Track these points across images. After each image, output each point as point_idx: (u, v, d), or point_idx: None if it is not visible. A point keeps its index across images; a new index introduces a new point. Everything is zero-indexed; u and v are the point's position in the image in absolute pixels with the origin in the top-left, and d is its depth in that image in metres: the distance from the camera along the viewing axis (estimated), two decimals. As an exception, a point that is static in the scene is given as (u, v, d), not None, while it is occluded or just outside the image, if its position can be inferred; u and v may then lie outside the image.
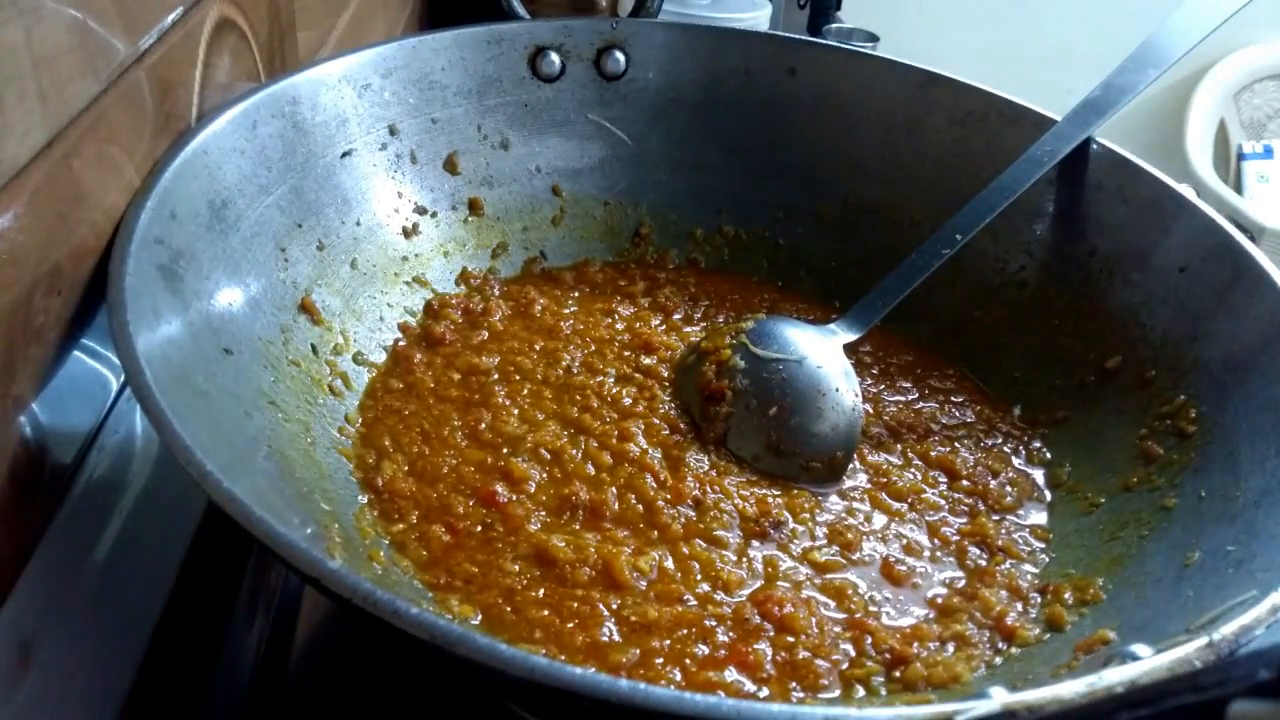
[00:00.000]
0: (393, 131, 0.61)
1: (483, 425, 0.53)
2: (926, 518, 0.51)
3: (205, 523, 0.43)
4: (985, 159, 0.63)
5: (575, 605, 0.43)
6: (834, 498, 0.52)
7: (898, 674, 0.42)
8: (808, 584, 0.46)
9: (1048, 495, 0.54)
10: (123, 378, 0.42)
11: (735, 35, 0.72)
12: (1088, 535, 0.50)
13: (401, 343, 0.58)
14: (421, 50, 0.63)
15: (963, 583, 0.48)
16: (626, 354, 0.60)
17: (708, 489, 0.50)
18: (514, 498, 0.48)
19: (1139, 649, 0.32)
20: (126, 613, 0.38)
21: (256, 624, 0.47)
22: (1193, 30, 0.62)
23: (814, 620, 0.44)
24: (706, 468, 0.52)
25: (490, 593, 0.44)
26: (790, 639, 0.43)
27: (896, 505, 0.52)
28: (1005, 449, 0.57)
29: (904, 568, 0.48)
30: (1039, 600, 0.46)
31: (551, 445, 0.52)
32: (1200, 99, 2.12)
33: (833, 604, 0.45)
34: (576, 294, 0.66)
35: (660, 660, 0.41)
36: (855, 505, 0.52)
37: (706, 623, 0.43)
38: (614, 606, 0.43)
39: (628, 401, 0.56)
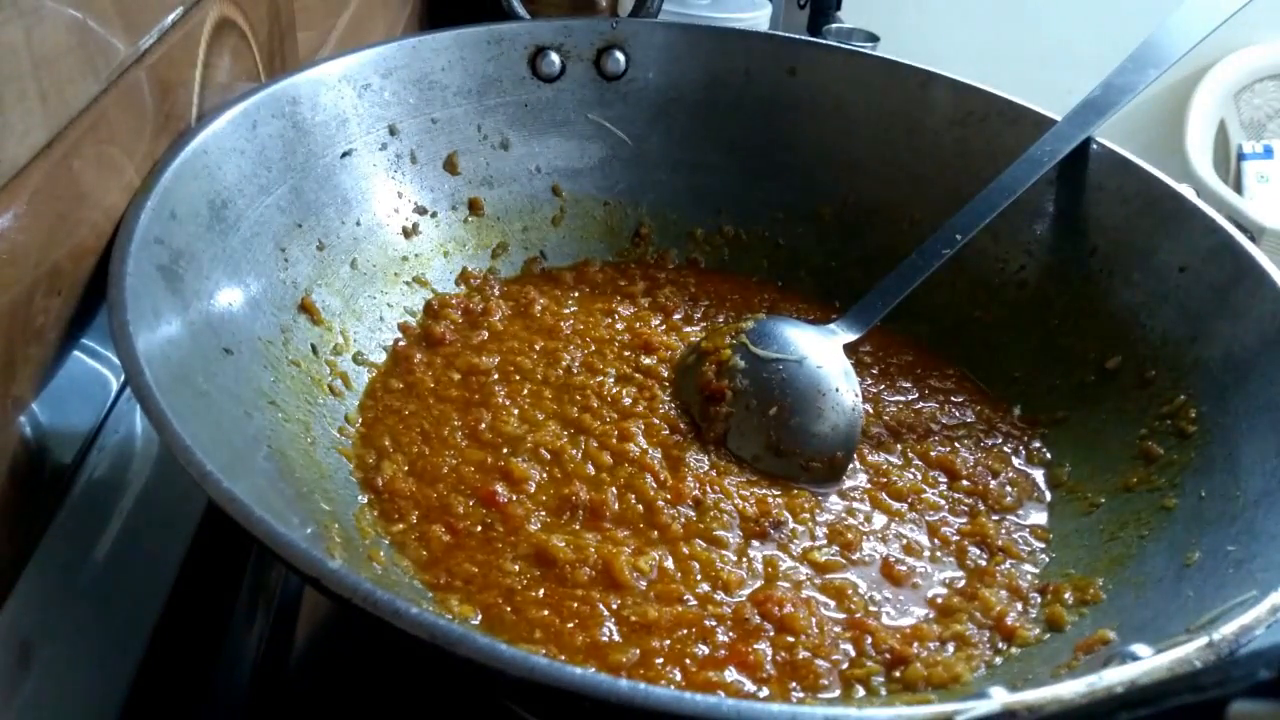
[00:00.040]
0: (393, 131, 0.61)
1: (483, 425, 0.53)
2: (926, 518, 0.51)
3: (205, 523, 0.43)
4: (985, 159, 0.63)
5: (575, 605, 0.43)
6: (834, 498, 0.52)
7: (898, 674, 0.42)
8: (808, 584, 0.46)
9: (1048, 495, 0.54)
10: (123, 378, 0.42)
11: (735, 35, 0.72)
12: (1088, 535, 0.50)
13: (401, 343, 0.58)
14: (421, 50, 0.63)
15: (963, 583, 0.48)
16: (626, 354, 0.60)
17: (708, 489, 0.50)
18: (514, 498, 0.48)
19: (1139, 649, 0.32)
20: (126, 613, 0.38)
21: (256, 624, 0.47)
22: (1193, 30, 0.62)
23: (814, 620, 0.44)
24: (706, 468, 0.52)
25: (490, 593, 0.44)
26: (790, 639, 0.43)
27: (896, 505, 0.52)
28: (1005, 449, 0.57)
29: (904, 568, 0.48)
30: (1039, 600, 0.46)
31: (551, 445, 0.52)
32: (1200, 99, 2.12)
33: (833, 604, 0.45)
34: (576, 294, 0.66)
35: (660, 660, 0.41)
36: (855, 505, 0.52)
37: (706, 623, 0.43)
38: (614, 606, 0.43)
39: (628, 401, 0.56)
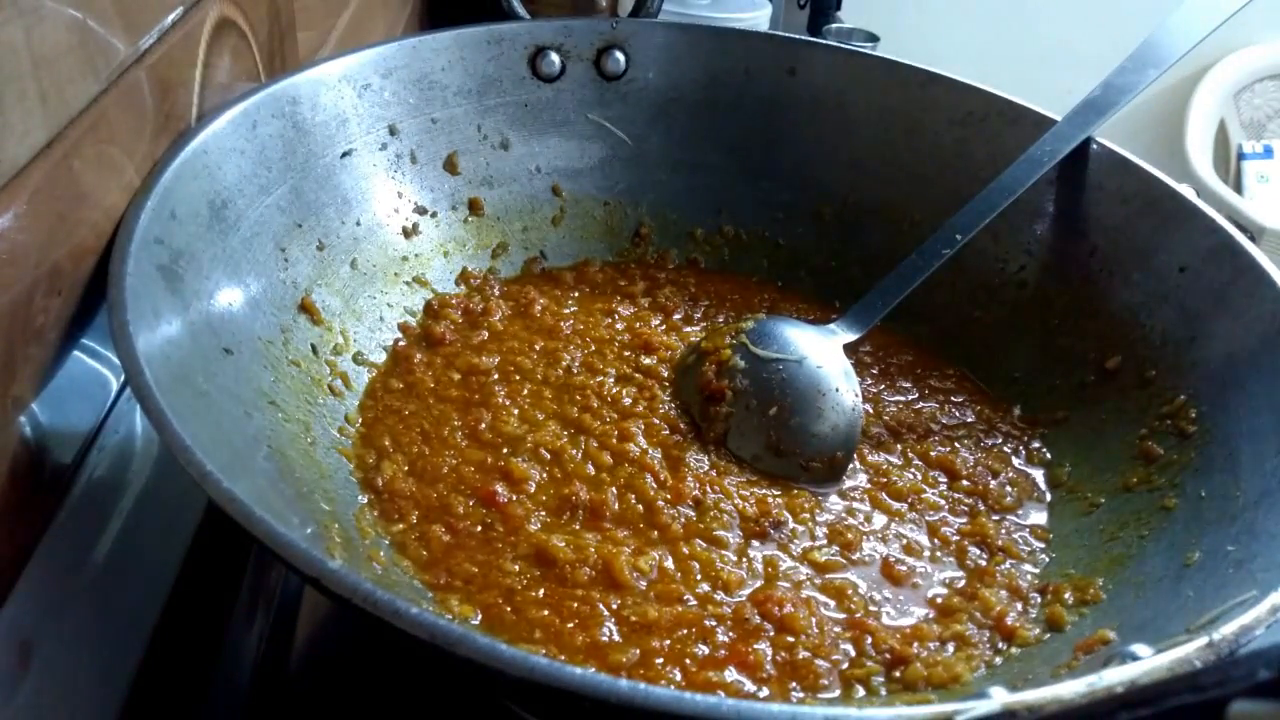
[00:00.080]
0: (393, 131, 0.61)
1: (483, 425, 0.53)
2: (926, 518, 0.51)
3: (205, 523, 0.43)
4: (985, 159, 0.63)
5: (575, 605, 0.43)
6: (834, 498, 0.52)
7: (898, 674, 0.42)
8: (808, 584, 0.46)
9: (1048, 495, 0.54)
10: (123, 378, 0.42)
11: (735, 35, 0.72)
12: (1088, 535, 0.50)
13: (401, 343, 0.58)
14: (421, 50, 0.63)
15: (963, 583, 0.48)
16: (626, 354, 0.60)
17: (708, 489, 0.50)
18: (514, 498, 0.48)
19: (1139, 649, 0.32)
20: (126, 613, 0.38)
21: (256, 624, 0.47)
22: (1193, 30, 0.62)
23: (814, 620, 0.44)
24: (706, 468, 0.52)
25: (490, 593, 0.44)
26: (790, 639, 0.43)
27: (896, 505, 0.52)
28: (1005, 449, 0.57)
29: (904, 568, 0.48)
30: (1039, 600, 0.46)
31: (551, 445, 0.52)
32: (1200, 99, 2.12)
33: (833, 604, 0.45)
34: (576, 294, 0.66)
35: (660, 660, 0.41)
36: (855, 505, 0.52)
37: (706, 623, 0.43)
38: (614, 606, 0.43)
39: (628, 401, 0.56)
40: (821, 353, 0.56)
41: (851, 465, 0.54)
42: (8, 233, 0.33)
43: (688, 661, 0.41)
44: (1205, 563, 0.41)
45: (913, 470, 0.54)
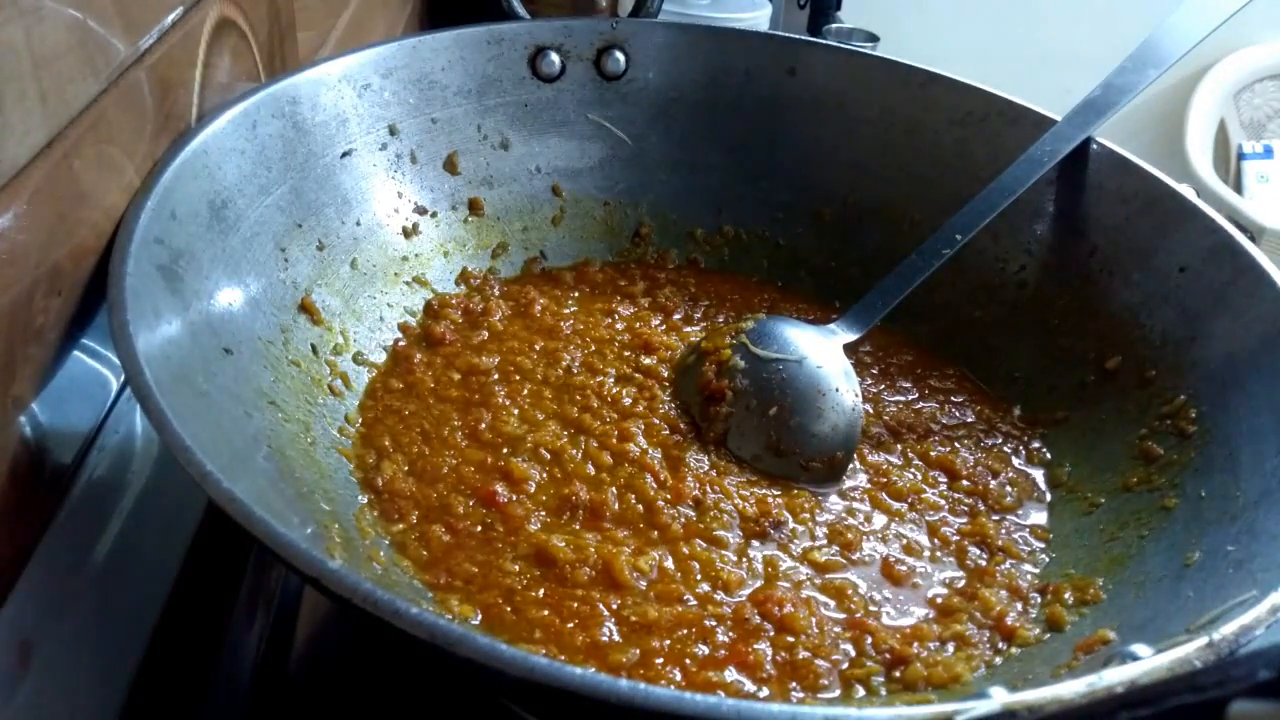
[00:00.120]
0: (393, 131, 0.61)
1: (483, 425, 0.53)
2: (926, 518, 0.51)
3: (205, 523, 0.43)
4: (985, 159, 0.63)
5: (575, 605, 0.43)
6: (834, 498, 0.52)
7: (898, 674, 0.42)
8: (808, 584, 0.46)
9: (1048, 495, 0.54)
10: (123, 378, 0.42)
11: (735, 35, 0.72)
12: (1088, 535, 0.50)
13: (401, 343, 0.58)
14: (421, 50, 0.63)
15: (963, 583, 0.48)
16: (626, 354, 0.60)
17: (708, 489, 0.50)
18: (514, 498, 0.48)
19: (1139, 649, 0.32)
20: (126, 613, 0.38)
21: (256, 624, 0.47)
22: (1193, 30, 0.62)
23: (814, 620, 0.44)
24: (706, 468, 0.52)
25: (490, 593, 0.44)
26: (790, 639, 0.43)
27: (896, 505, 0.52)
28: (1005, 449, 0.57)
29: (904, 568, 0.48)
30: (1039, 600, 0.46)
31: (551, 445, 0.52)
32: (1200, 99, 2.12)
33: (833, 604, 0.45)
34: (576, 294, 0.66)
35: (660, 660, 0.41)
36: (855, 505, 0.52)
37: (706, 623, 0.43)
38: (614, 606, 0.43)
39: (628, 401, 0.56)
40: (821, 353, 0.56)
41: (851, 465, 0.54)
42: (8, 233, 0.33)
43: (688, 661, 0.41)
44: (1205, 563, 0.41)
45: (913, 470, 0.54)
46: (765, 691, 0.41)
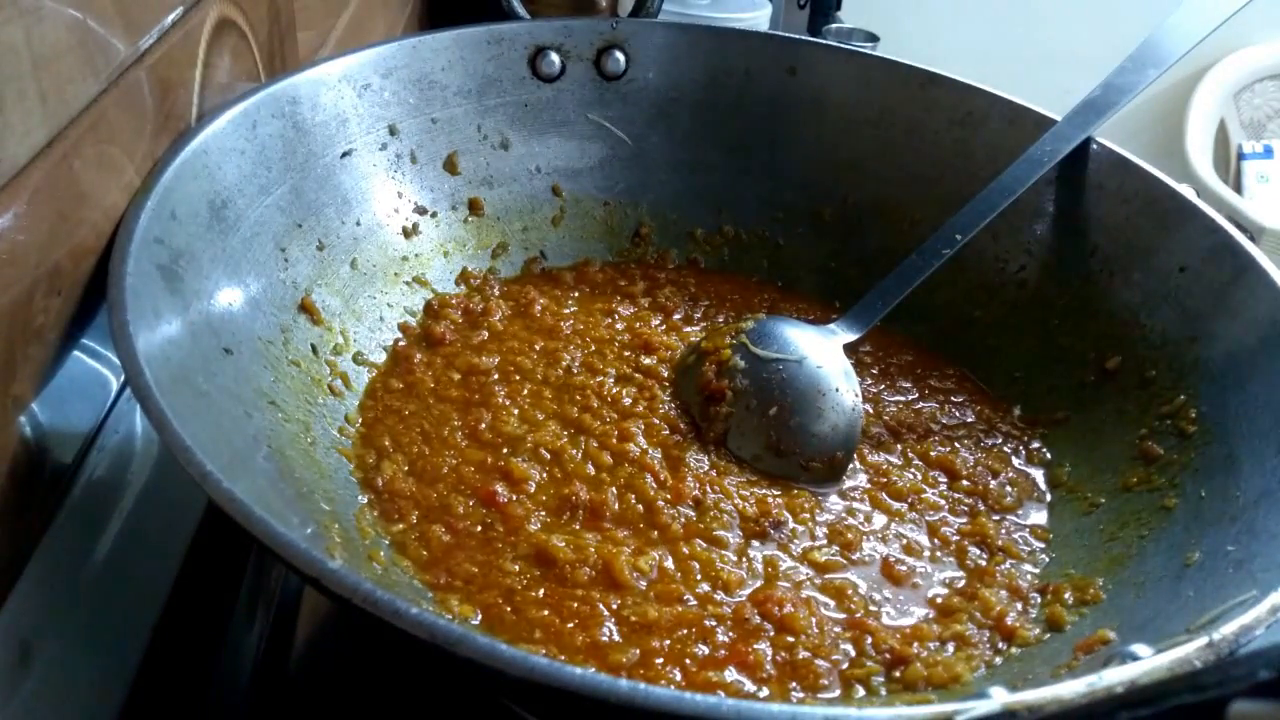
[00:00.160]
0: (393, 131, 0.61)
1: (483, 425, 0.53)
2: (926, 518, 0.51)
3: (205, 523, 0.43)
4: (985, 159, 0.63)
5: (575, 605, 0.43)
6: (834, 498, 0.52)
7: (898, 674, 0.42)
8: (808, 584, 0.46)
9: (1048, 495, 0.54)
10: (123, 378, 0.42)
11: (735, 35, 0.72)
12: (1088, 535, 0.50)
13: (401, 343, 0.58)
14: (421, 50, 0.63)
15: (963, 583, 0.48)
16: (626, 354, 0.60)
17: (708, 489, 0.50)
18: (514, 498, 0.48)
19: (1139, 649, 0.32)
20: (126, 613, 0.38)
21: (256, 624, 0.47)
22: (1193, 30, 0.62)
23: (814, 620, 0.44)
24: (706, 468, 0.52)
25: (490, 593, 0.44)
26: (790, 639, 0.43)
27: (896, 505, 0.52)
28: (1005, 449, 0.57)
29: (904, 568, 0.48)
30: (1039, 600, 0.46)
31: (551, 445, 0.52)
32: (1200, 99, 2.12)
33: (833, 604, 0.45)
34: (576, 294, 0.66)
35: (660, 660, 0.41)
36: (855, 505, 0.52)
37: (706, 623, 0.43)
38: (614, 606, 0.43)
39: (628, 401, 0.56)
40: (821, 353, 0.56)
41: (851, 465, 0.54)
42: (8, 233, 0.33)
43: (688, 661, 0.41)
44: (1205, 563, 0.41)
45: (913, 470, 0.54)
46: (765, 691, 0.41)
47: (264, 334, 0.49)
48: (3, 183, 0.32)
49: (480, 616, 0.43)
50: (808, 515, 0.50)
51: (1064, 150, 0.59)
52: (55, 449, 0.37)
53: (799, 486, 0.52)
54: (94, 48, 0.38)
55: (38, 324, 0.36)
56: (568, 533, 0.47)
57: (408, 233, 0.62)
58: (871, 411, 0.58)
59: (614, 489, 0.50)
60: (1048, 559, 0.50)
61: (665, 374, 0.58)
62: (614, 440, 0.53)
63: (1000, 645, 0.44)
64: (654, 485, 0.50)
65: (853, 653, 0.43)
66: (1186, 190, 0.56)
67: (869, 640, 0.43)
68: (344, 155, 0.58)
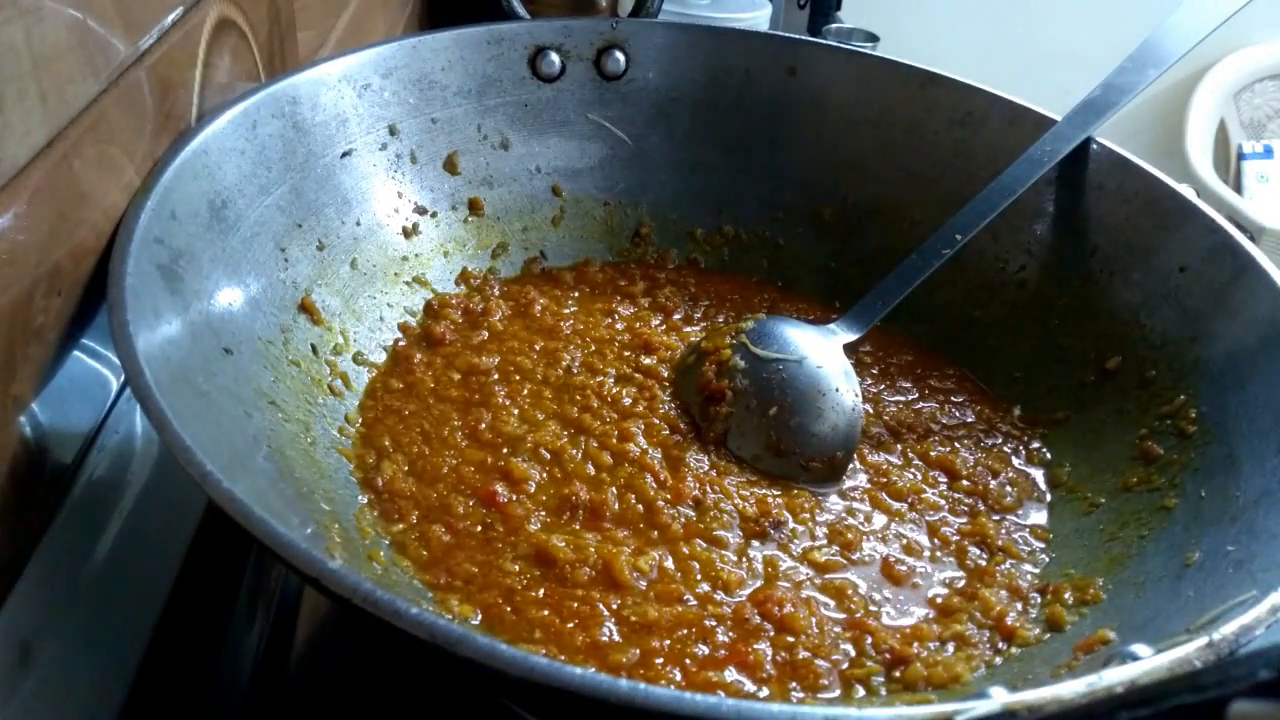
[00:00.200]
0: (393, 131, 0.61)
1: (483, 425, 0.53)
2: (926, 518, 0.51)
3: (205, 523, 0.43)
4: (985, 159, 0.63)
5: (575, 605, 0.43)
6: (834, 498, 0.52)
7: (898, 674, 0.42)
8: (808, 584, 0.46)
9: (1048, 495, 0.54)
10: (123, 378, 0.42)
11: (735, 35, 0.72)
12: (1088, 535, 0.50)
13: (401, 343, 0.58)
14: (421, 50, 0.63)
15: (963, 583, 0.48)
16: (626, 354, 0.60)
17: (708, 489, 0.50)
18: (514, 498, 0.48)
19: (1139, 649, 0.32)
20: (126, 613, 0.38)
21: (256, 624, 0.47)
22: (1193, 30, 0.62)
23: (814, 620, 0.44)
24: (706, 468, 0.52)
25: (490, 593, 0.44)
26: (790, 639, 0.43)
27: (896, 505, 0.52)
28: (1005, 449, 0.57)
29: (904, 568, 0.48)
30: (1039, 600, 0.46)
31: (551, 445, 0.52)
32: (1200, 99, 2.12)
33: (833, 604, 0.45)
34: (576, 294, 0.66)
35: (660, 660, 0.41)
36: (855, 505, 0.52)
37: (706, 623, 0.43)
38: (614, 606, 0.43)
39: (628, 401, 0.56)
40: (821, 353, 0.56)
41: (851, 465, 0.54)
42: (8, 233, 0.33)
43: (688, 661, 0.41)
44: (1205, 563, 0.41)
45: (913, 470, 0.54)
46: (765, 691, 0.41)
47: (264, 334, 0.49)
48: (3, 183, 0.32)
49: (480, 616, 0.43)
50: (808, 515, 0.50)
51: (1064, 150, 0.59)
52: (55, 449, 0.37)
53: (799, 486, 0.52)
54: (94, 48, 0.38)
55: (38, 324, 0.36)
56: (568, 533, 0.47)
57: (408, 233, 0.62)
58: (871, 411, 0.58)
59: (614, 489, 0.50)
60: (1048, 559, 0.50)
61: (665, 374, 0.58)
62: (614, 440, 0.53)
63: (1000, 645, 0.44)
64: (654, 485, 0.50)
65: (853, 653, 0.43)
66: (1186, 190, 0.56)
67: (869, 640, 0.43)
68: (344, 155, 0.58)
